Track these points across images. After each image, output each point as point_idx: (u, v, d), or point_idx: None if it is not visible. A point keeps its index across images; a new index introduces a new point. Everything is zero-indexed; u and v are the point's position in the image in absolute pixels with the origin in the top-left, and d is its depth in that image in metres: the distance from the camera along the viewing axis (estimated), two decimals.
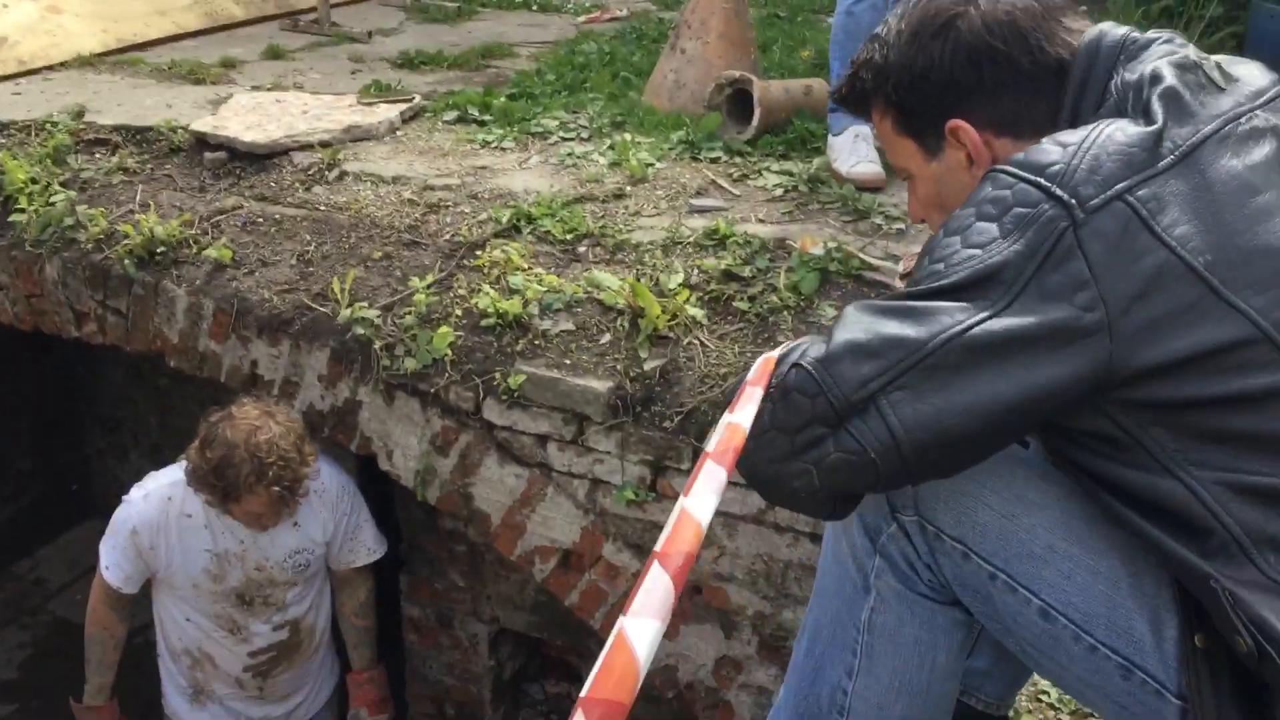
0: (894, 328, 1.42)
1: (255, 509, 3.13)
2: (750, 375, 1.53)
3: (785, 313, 3.03)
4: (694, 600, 3.02)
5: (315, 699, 3.74)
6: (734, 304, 3.08)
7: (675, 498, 2.91)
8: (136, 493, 3.37)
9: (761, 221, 3.44)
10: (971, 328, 1.38)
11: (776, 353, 1.53)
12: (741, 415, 1.47)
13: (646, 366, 2.97)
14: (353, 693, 3.78)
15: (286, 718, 3.68)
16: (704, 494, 1.41)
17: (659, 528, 2.98)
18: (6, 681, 5.39)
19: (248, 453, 3.02)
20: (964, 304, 1.40)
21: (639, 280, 3.11)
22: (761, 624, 2.95)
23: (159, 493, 3.33)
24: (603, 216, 3.51)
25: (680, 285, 3.12)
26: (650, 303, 3.01)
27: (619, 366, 2.99)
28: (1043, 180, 1.40)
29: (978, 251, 1.41)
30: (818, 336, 1.52)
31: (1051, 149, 1.43)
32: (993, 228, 1.41)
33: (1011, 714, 2.25)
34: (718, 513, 2.89)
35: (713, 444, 1.46)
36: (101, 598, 3.48)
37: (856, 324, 1.45)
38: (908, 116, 1.67)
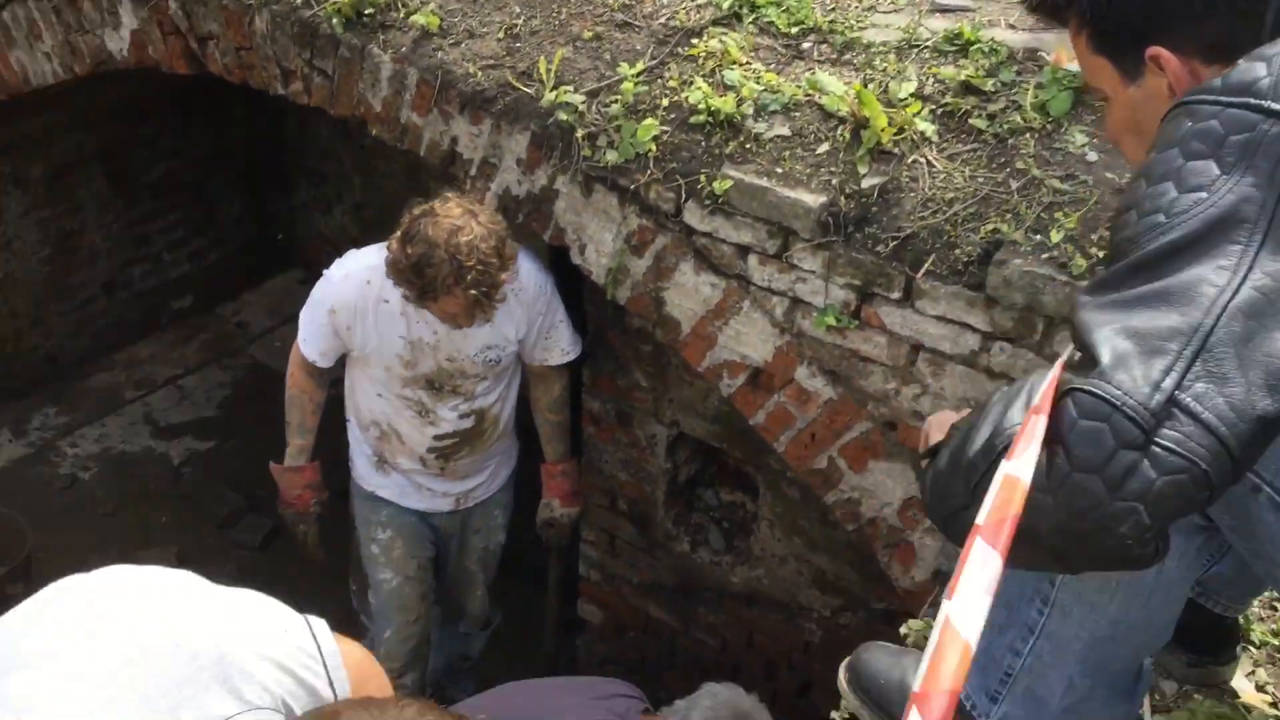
0: (1154, 319, 1.19)
1: (451, 309, 3.08)
2: (1035, 396, 1.24)
3: (1028, 135, 2.72)
4: (887, 436, 2.85)
5: (492, 482, 3.78)
6: (970, 121, 2.77)
7: (881, 328, 2.72)
8: (337, 271, 3.35)
9: (1013, 27, 3.06)
10: (1239, 289, 1.18)
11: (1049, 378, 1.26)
12: (1022, 464, 1.19)
13: (865, 183, 2.72)
14: (546, 484, 3.82)
15: (465, 495, 3.74)
16: (972, 592, 1.16)
17: (859, 357, 2.80)
18: (208, 419, 5.71)
19: (447, 254, 2.94)
20: (1213, 259, 1.19)
21: (866, 86, 2.82)
22: None
23: (358, 275, 3.30)
24: (833, 9, 3.19)
25: (911, 95, 2.82)
26: (876, 113, 2.73)
27: (834, 180, 2.75)
28: (1252, 99, 1.22)
29: (1202, 195, 1.21)
30: (1042, 372, 1.27)
31: (1252, 66, 1.24)
32: (1210, 165, 1.22)
33: (1241, 619, 2.06)
34: (922, 348, 2.71)
35: (984, 512, 1.19)
36: (299, 365, 3.54)
37: (1106, 328, 1.21)
38: (1104, 35, 1.48)
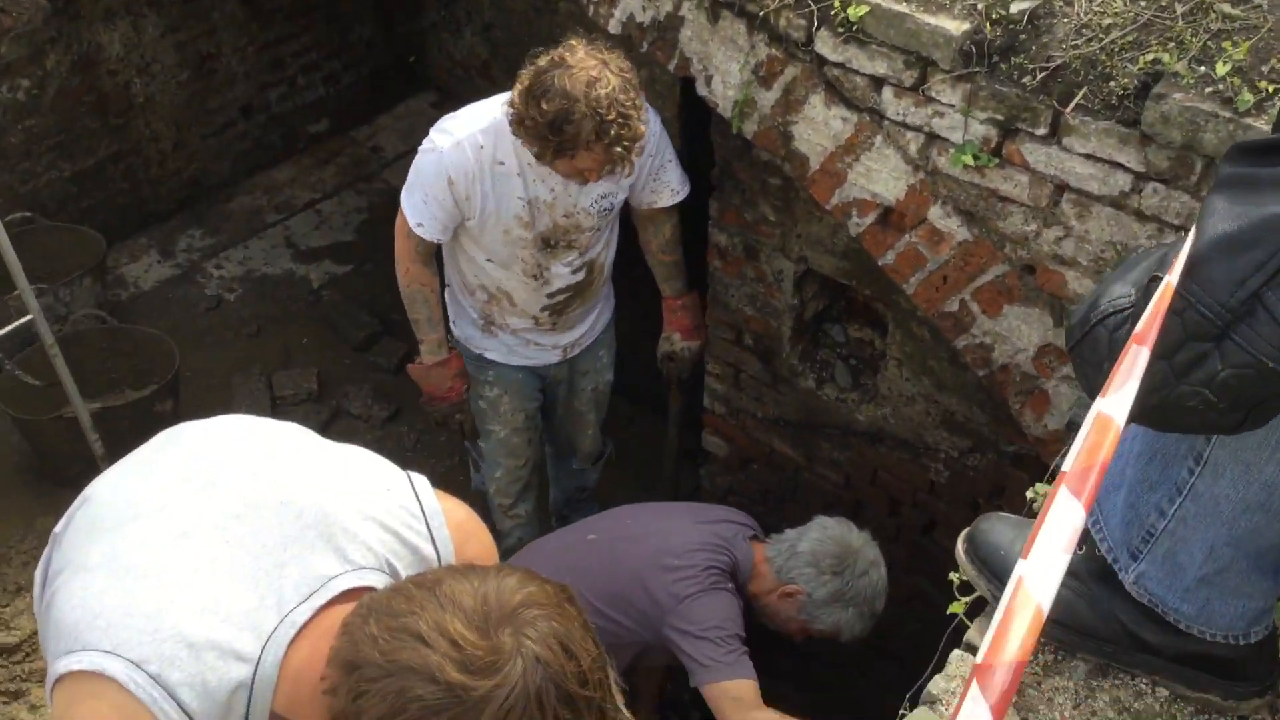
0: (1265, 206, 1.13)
1: (587, 165, 2.96)
2: (1162, 269, 1.23)
3: None
4: (1024, 280, 2.72)
5: (596, 326, 3.77)
6: None
7: (1023, 166, 2.56)
8: (442, 140, 3.17)
9: None
10: None
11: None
12: (1117, 402, 1.17)
13: (1013, 8, 2.52)
14: (667, 318, 3.79)
15: (572, 345, 3.72)
16: (1049, 551, 1.12)
17: (998, 197, 2.65)
18: (345, 243, 5.80)
19: (589, 108, 2.81)
20: None
21: None
22: None
23: (470, 140, 3.14)
24: None
25: None
26: None
27: (980, 6, 2.55)
28: None
29: None
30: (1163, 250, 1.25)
31: None
32: None
33: None
34: (1067, 189, 2.54)
35: (1072, 456, 1.16)
36: (412, 255, 3.38)
37: (1228, 211, 1.16)
38: None
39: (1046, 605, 1.07)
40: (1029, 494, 2.08)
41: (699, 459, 4.48)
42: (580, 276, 3.50)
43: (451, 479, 4.83)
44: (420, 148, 3.26)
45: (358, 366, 5.20)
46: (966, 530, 1.91)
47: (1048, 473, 3.17)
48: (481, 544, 1.68)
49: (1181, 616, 1.65)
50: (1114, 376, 1.17)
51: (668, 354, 3.84)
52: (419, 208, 3.26)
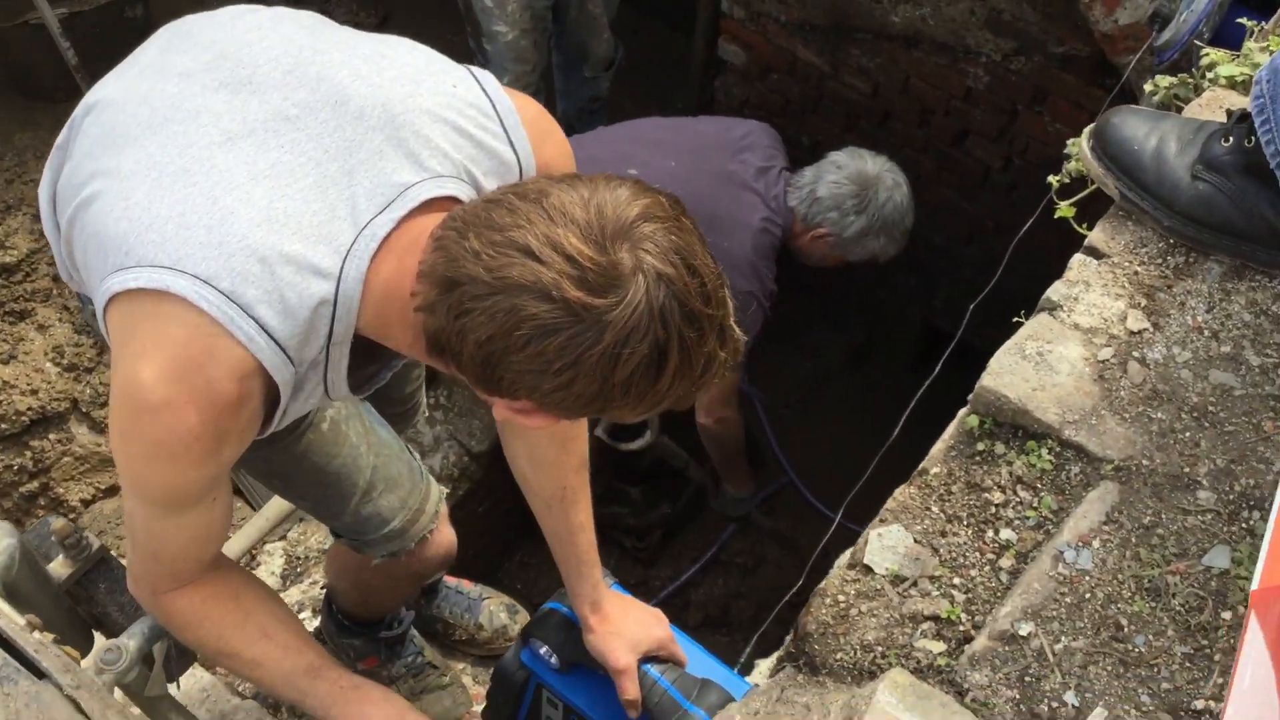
0: None
1: None
2: None
3: None
4: None
5: None
6: None
7: None
8: None
9: None
10: None
11: None
12: None
13: None
14: None
15: None
16: None
17: None
18: None
19: None
20: None
21: None
22: None
23: None
24: None
25: None
26: None
27: None
28: None
29: None
30: None
31: None
32: None
33: None
34: None
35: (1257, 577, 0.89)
36: None
37: None
38: None
39: None
40: (1147, 87, 1.91)
41: (713, 69, 4.23)
42: None
43: None
44: None
45: None
46: (1092, 125, 1.75)
47: (1110, 77, 2.99)
48: (558, 142, 1.48)
49: None
50: None
51: None
52: None
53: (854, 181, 3.11)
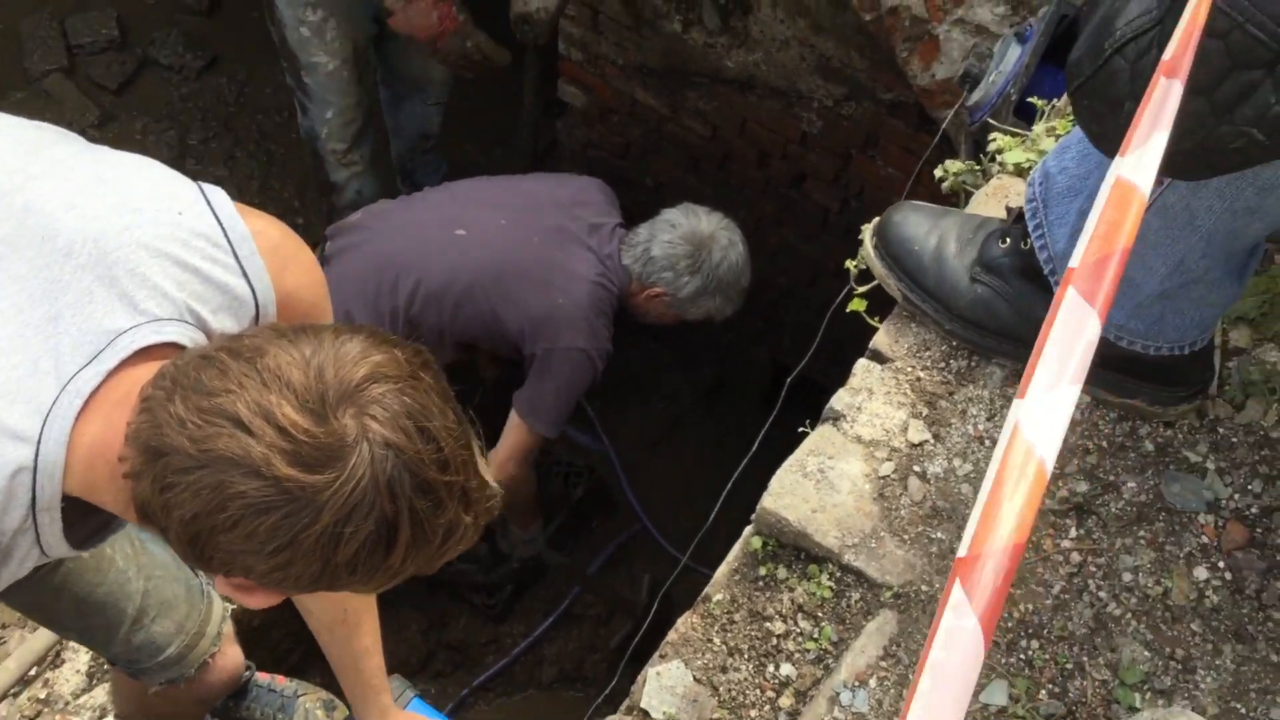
0: None
1: None
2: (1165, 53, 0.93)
3: None
4: None
5: None
6: None
7: None
8: None
9: None
10: None
11: None
12: (1141, 166, 0.90)
13: None
14: None
15: None
16: (1051, 384, 0.85)
17: None
18: None
19: None
20: None
21: None
22: None
23: None
24: None
25: None
26: None
27: None
28: None
29: None
30: None
31: None
32: None
33: None
34: None
35: (1082, 246, 0.89)
36: None
37: None
38: None
39: (1051, 460, 0.82)
40: (938, 173, 1.88)
41: (555, 110, 4.15)
42: None
43: (283, 134, 4.42)
44: None
45: (163, 7, 4.57)
46: (875, 221, 1.70)
47: (930, 124, 2.99)
48: (303, 269, 1.35)
49: (1125, 333, 1.50)
50: (1137, 124, 0.91)
51: (522, 15, 3.38)
52: None
53: (688, 241, 3.06)
